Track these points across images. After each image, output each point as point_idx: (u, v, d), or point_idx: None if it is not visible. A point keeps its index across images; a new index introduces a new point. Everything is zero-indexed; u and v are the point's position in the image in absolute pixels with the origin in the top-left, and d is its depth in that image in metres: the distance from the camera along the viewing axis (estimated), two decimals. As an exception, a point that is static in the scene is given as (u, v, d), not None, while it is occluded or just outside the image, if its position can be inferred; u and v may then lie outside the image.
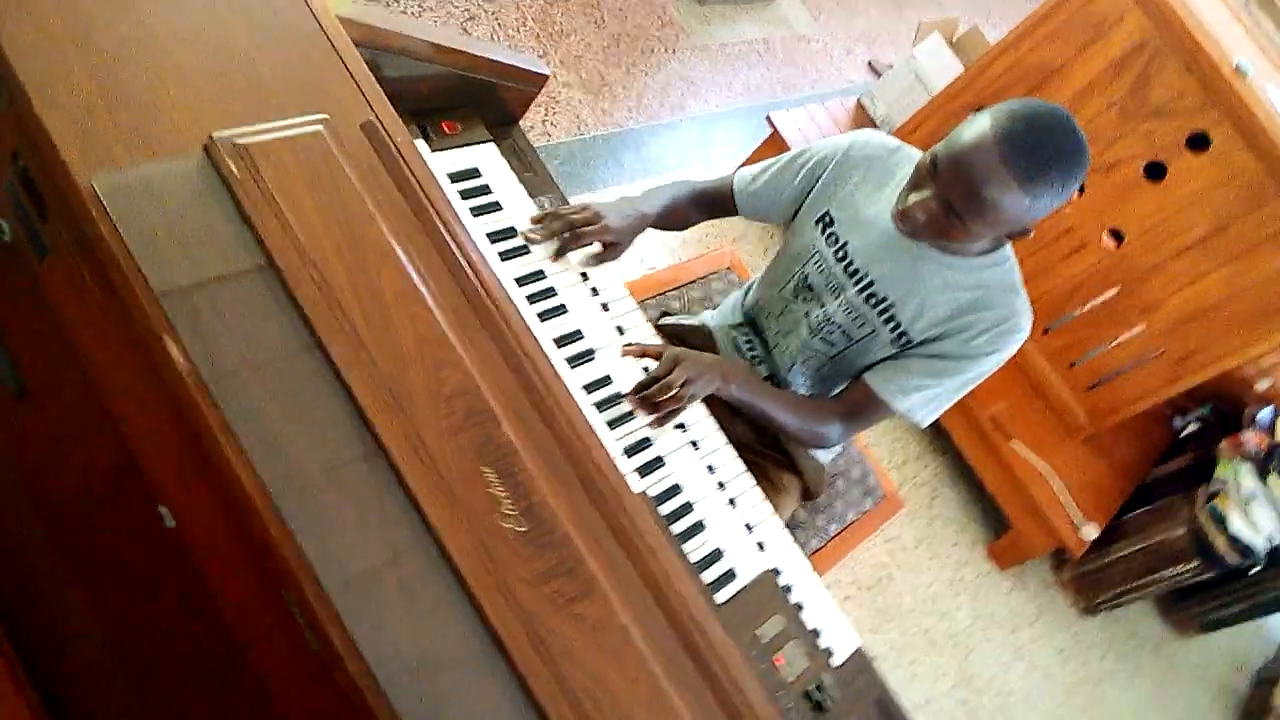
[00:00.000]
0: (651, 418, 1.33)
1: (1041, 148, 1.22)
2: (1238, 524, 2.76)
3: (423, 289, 0.95)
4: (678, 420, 1.37)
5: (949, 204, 1.26)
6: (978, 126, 1.24)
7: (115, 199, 0.83)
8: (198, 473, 0.85)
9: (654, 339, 1.45)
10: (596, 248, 1.43)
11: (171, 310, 0.81)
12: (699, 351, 1.41)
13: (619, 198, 1.52)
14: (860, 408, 1.53)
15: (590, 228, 1.39)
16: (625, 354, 1.38)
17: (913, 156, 1.49)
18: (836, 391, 1.62)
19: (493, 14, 2.88)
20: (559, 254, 1.38)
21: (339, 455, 0.81)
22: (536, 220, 1.40)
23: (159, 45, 0.95)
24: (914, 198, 1.30)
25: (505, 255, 1.35)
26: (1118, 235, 2.73)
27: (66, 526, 1.15)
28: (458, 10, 2.80)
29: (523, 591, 0.82)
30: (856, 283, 1.49)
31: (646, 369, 1.39)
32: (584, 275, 1.41)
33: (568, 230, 1.38)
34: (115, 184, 0.84)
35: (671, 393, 1.31)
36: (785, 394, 1.57)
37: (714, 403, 1.45)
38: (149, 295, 0.81)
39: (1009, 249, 1.44)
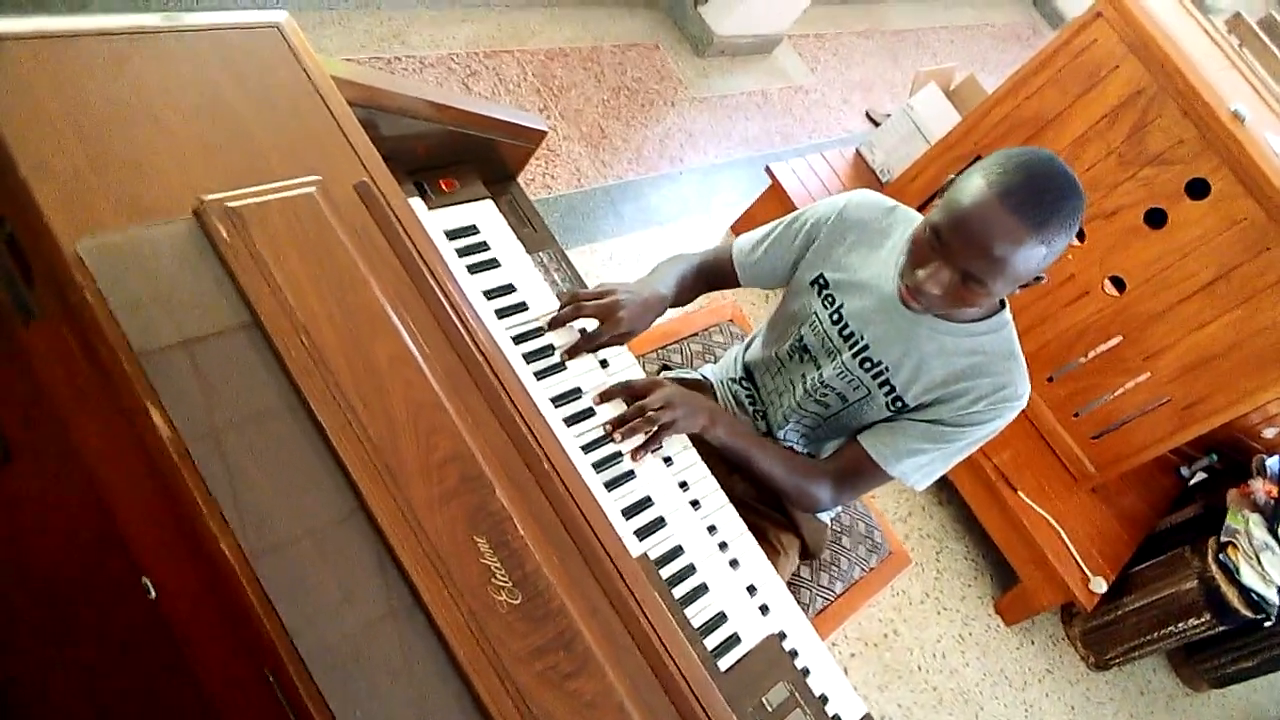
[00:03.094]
0: (630, 446, 1.30)
1: (1043, 192, 1.20)
2: (1249, 576, 2.71)
3: (416, 353, 0.93)
4: (679, 479, 1.35)
5: (964, 271, 1.24)
6: (973, 187, 1.23)
7: (101, 264, 0.82)
8: (180, 544, 0.82)
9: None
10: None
11: (155, 376, 0.79)
12: (681, 388, 1.39)
13: (636, 280, 1.49)
14: (853, 470, 1.50)
15: (603, 326, 1.36)
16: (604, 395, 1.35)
17: (908, 217, 1.48)
18: (829, 453, 1.60)
19: (493, 70, 2.90)
20: (572, 355, 1.34)
21: (325, 527, 0.79)
22: (561, 308, 1.37)
23: (149, 108, 0.94)
24: (923, 273, 1.27)
25: (502, 312, 1.33)
26: (1119, 283, 2.72)
27: (49, 592, 1.12)
28: (458, 66, 2.82)
29: (516, 668, 0.79)
30: (851, 346, 1.47)
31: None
32: (582, 331, 1.39)
33: (579, 315, 1.35)
34: (102, 249, 0.82)
35: (649, 414, 1.29)
36: (775, 446, 1.53)
37: (713, 460, 1.42)
38: (133, 363, 0.79)
39: (1007, 313, 1.42)
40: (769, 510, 1.62)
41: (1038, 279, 1.28)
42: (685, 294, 1.58)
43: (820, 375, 1.51)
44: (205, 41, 1.03)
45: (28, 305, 0.90)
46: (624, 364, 1.41)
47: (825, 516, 1.71)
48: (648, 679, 0.90)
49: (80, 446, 0.92)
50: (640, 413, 1.31)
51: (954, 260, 1.24)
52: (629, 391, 1.34)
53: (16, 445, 1.05)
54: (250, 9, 1.02)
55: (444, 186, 1.40)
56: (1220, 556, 2.72)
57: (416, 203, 1.34)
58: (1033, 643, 2.91)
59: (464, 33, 2.93)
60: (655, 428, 1.31)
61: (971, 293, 1.26)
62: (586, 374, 1.35)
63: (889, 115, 3.31)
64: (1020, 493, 2.77)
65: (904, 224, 1.47)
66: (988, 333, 1.40)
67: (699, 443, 1.42)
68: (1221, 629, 2.78)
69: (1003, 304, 1.42)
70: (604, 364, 1.39)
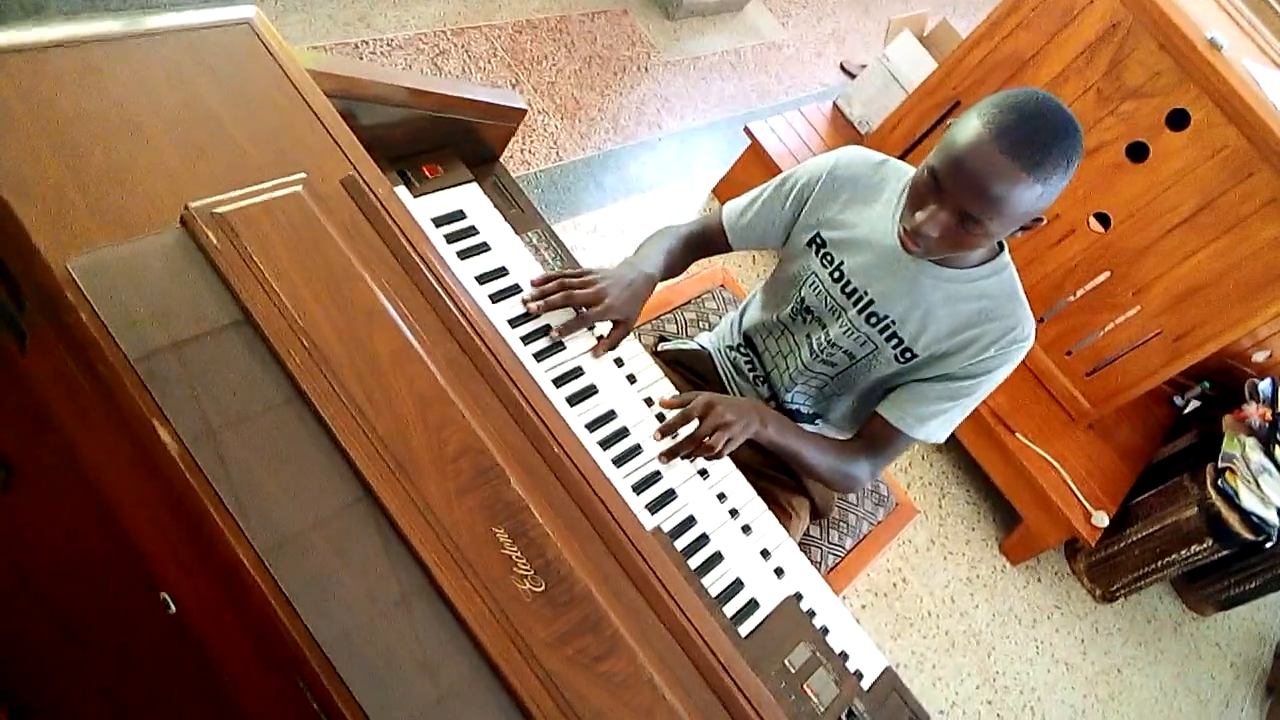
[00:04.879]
0: (680, 462, 1.31)
1: (1038, 132, 1.20)
2: (1249, 499, 2.74)
3: (417, 346, 0.92)
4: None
5: (963, 212, 1.24)
6: (970, 128, 1.22)
7: (93, 282, 0.80)
8: (195, 557, 0.82)
9: (653, 368, 1.42)
10: (607, 326, 1.39)
11: (157, 390, 0.78)
12: (727, 396, 1.40)
13: (620, 262, 1.47)
14: (882, 443, 1.51)
15: (594, 310, 1.34)
16: (664, 406, 1.36)
17: (899, 170, 1.47)
18: (839, 416, 1.61)
19: (462, 47, 2.86)
20: (561, 334, 1.33)
21: (343, 530, 0.78)
22: (538, 284, 1.35)
23: (127, 118, 0.92)
24: (921, 215, 1.26)
25: (496, 297, 1.32)
26: (1104, 219, 2.72)
27: (67, 613, 1.11)
28: (427, 46, 2.78)
29: (545, 655, 0.79)
30: (855, 303, 1.47)
31: (650, 400, 1.37)
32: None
33: (568, 304, 1.34)
34: (92, 266, 0.81)
35: (709, 440, 1.30)
36: (816, 436, 1.53)
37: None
38: (134, 378, 0.78)
39: (1006, 255, 1.42)
40: (777, 474, 1.62)
41: (1037, 220, 1.28)
42: (674, 268, 1.57)
43: (826, 335, 1.51)
44: (176, 43, 1.01)
45: (21, 329, 0.89)
46: (631, 352, 1.40)
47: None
48: (675, 654, 0.90)
49: (86, 465, 0.91)
50: (696, 442, 1.31)
51: (951, 202, 1.24)
52: (685, 419, 1.33)
53: (19, 468, 1.04)
54: (215, 3, 1.00)
55: (427, 173, 1.38)
56: (1219, 482, 2.75)
57: (401, 191, 1.33)
58: (1039, 580, 2.95)
59: (430, 11, 2.88)
60: (710, 451, 1.31)
61: (970, 234, 1.26)
62: (587, 354, 1.35)
63: (864, 66, 3.29)
64: (1018, 434, 2.78)
65: (896, 176, 1.46)
66: (990, 275, 1.41)
67: None
68: (1223, 553, 2.82)
69: (1002, 247, 1.42)
70: (619, 363, 1.38)
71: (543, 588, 0.83)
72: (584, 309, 1.34)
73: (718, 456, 1.33)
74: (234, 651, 0.85)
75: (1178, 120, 2.50)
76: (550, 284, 1.35)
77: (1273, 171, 2.41)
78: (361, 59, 2.61)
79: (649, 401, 1.37)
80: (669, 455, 1.30)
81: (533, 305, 1.32)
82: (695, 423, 1.32)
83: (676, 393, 1.40)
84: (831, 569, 1.74)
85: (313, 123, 1.04)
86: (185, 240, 0.87)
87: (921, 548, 2.78)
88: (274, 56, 1.05)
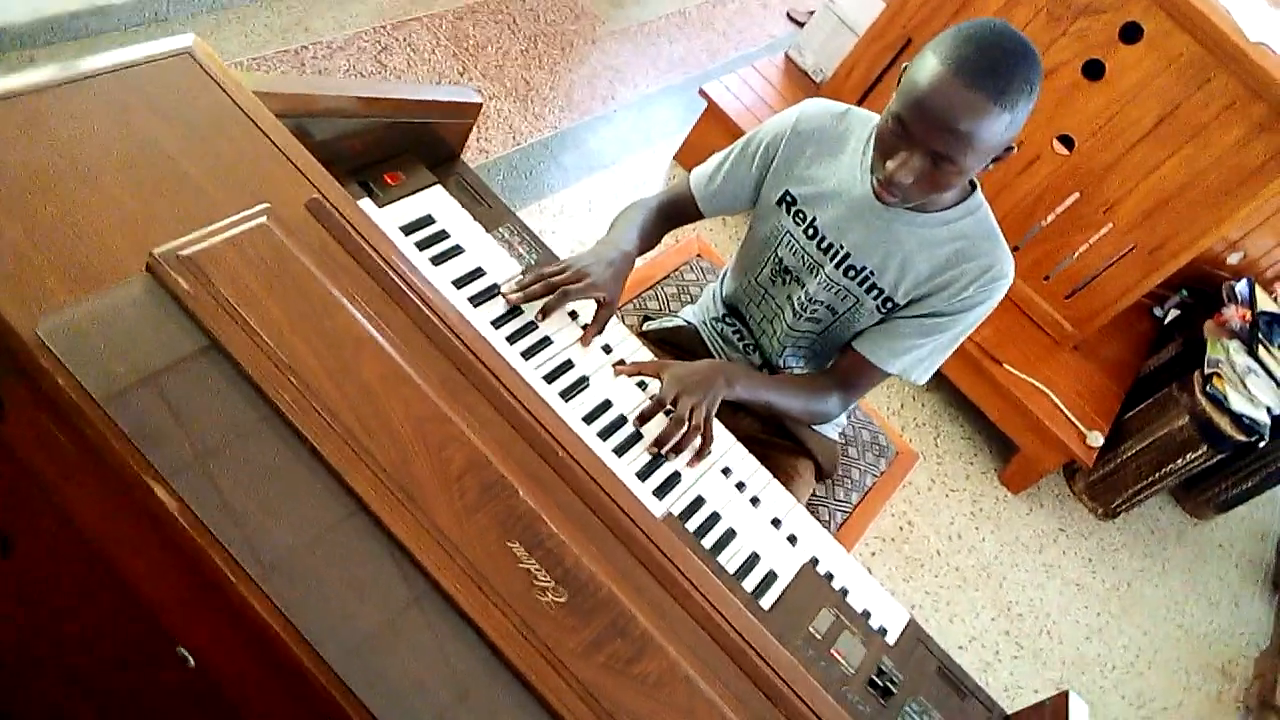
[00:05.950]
0: (686, 458, 1.30)
1: (997, 60, 1.18)
2: (1238, 402, 2.77)
3: (406, 366, 0.90)
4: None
5: (934, 152, 1.22)
6: (928, 67, 1.20)
7: (65, 344, 0.78)
8: (210, 611, 0.80)
9: (642, 351, 1.40)
10: (590, 310, 1.36)
11: (147, 448, 0.76)
12: (690, 363, 1.38)
13: (595, 243, 1.44)
14: (854, 376, 1.51)
15: (576, 285, 1.31)
16: (619, 373, 1.34)
17: (862, 118, 1.45)
18: (830, 364, 1.60)
19: (404, 41, 2.80)
20: (545, 313, 1.31)
21: (359, 566, 0.77)
22: (519, 284, 1.33)
23: (77, 169, 0.89)
24: (893, 164, 1.25)
25: (476, 300, 1.30)
26: (1067, 141, 2.71)
27: (83, 671, 1.09)
28: (369, 44, 2.72)
29: (577, 665, 0.78)
30: (832, 257, 1.45)
31: (644, 384, 1.35)
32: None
33: (550, 291, 1.31)
34: (62, 328, 0.78)
35: (692, 423, 1.29)
36: (784, 379, 1.54)
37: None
38: (121, 439, 0.76)
39: (979, 195, 1.41)
40: (777, 439, 1.62)
41: (1008, 150, 1.27)
42: (649, 241, 1.55)
43: (806, 292, 1.50)
44: (116, 83, 0.97)
45: (-4, 397, 0.86)
46: (618, 337, 1.39)
47: (833, 431, 1.71)
48: (706, 644, 0.90)
49: (82, 524, 0.89)
50: (680, 425, 1.29)
51: (921, 144, 1.22)
52: (659, 405, 1.31)
53: (17, 534, 1.02)
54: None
55: (389, 180, 1.35)
56: (1207, 388, 2.78)
57: (365, 203, 1.30)
58: (1041, 506, 2.98)
59: (367, 8, 2.82)
60: (699, 433, 1.30)
61: (944, 174, 1.25)
62: (573, 343, 1.33)
63: (811, 13, 3.24)
64: (1005, 364, 2.79)
65: (860, 125, 1.45)
66: (964, 216, 1.40)
67: None
68: (1218, 457, 2.85)
69: (974, 186, 1.41)
70: (608, 349, 1.37)
71: (565, 597, 0.82)
72: (566, 289, 1.32)
73: (707, 431, 1.32)
74: (262, 700, 0.84)
75: (1131, 34, 2.49)
76: (528, 275, 1.33)
77: (1229, 75, 2.41)
78: (304, 65, 2.55)
79: (642, 385, 1.35)
80: (658, 445, 1.28)
81: (513, 297, 1.30)
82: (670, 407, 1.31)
83: None
84: (840, 526, 1.74)
85: (268, 148, 1.01)
86: (154, 287, 0.84)
87: (923, 489, 2.79)
88: (219, 84, 1.01)
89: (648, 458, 1.28)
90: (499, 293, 1.31)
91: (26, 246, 0.83)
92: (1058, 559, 2.88)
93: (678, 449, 1.29)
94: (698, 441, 1.30)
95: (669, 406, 1.31)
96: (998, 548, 2.79)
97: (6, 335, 0.78)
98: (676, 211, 1.59)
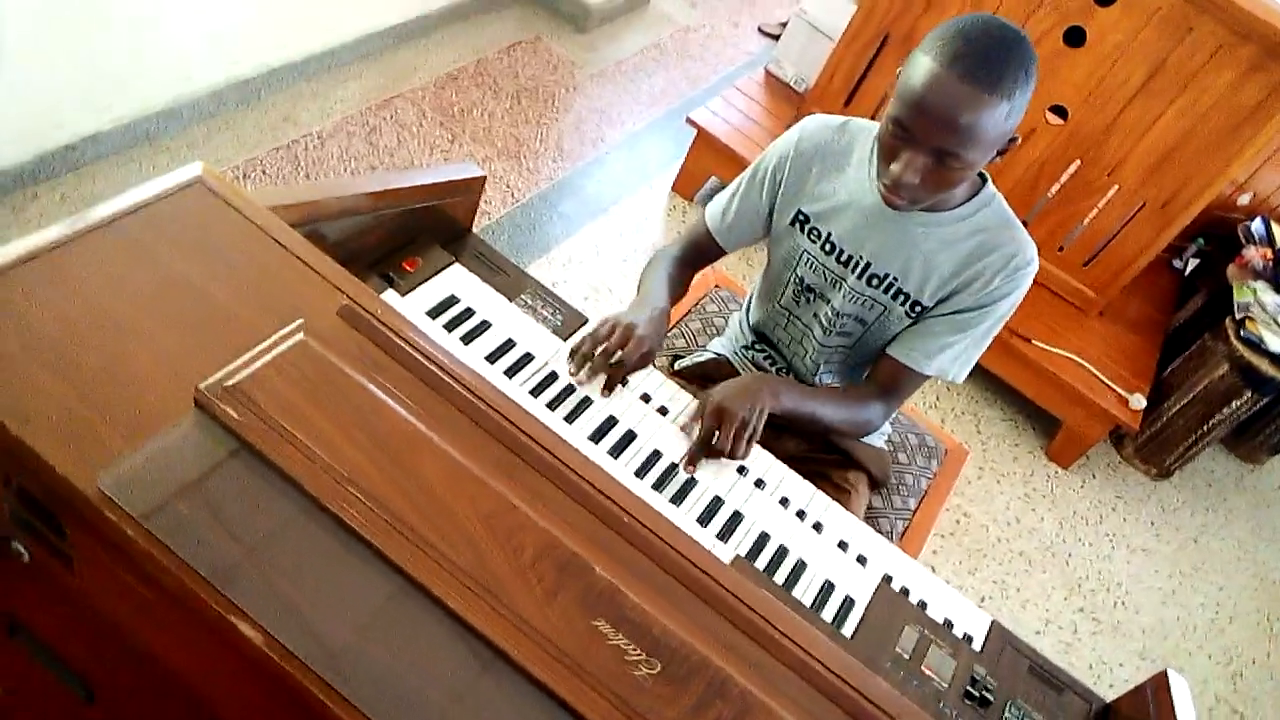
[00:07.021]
0: (745, 483, 1.30)
1: (989, 50, 1.18)
2: (1274, 342, 2.73)
3: (462, 458, 0.90)
4: (735, 464, 1.33)
5: (937, 150, 1.22)
6: (921, 67, 1.20)
7: (128, 494, 0.78)
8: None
9: (681, 394, 1.40)
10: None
11: (230, 589, 0.76)
12: (729, 382, 1.38)
13: (631, 303, 1.45)
14: (893, 383, 1.51)
15: (627, 350, 1.32)
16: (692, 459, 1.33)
17: (863, 127, 1.46)
18: (866, 374, 1.59)
19: (391, 118, 2.84)
20: (609, 389, 1.33)
21: (456, 674, 0.76)
22: (574, 355, 1.34)
23: (111, 316, 0.89)
24: (897, 166, 1.25)
25: (510, 371, 1.30)
26: (1060, 111, 2.71)
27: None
28: (356, 127, 2.75)
29: (683, 735, 0.77)
30: (853, 269, 1.45)
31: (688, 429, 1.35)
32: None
33: (607, 361, 1.32)
34: (123, 479, 0.79)
35: (732, 447, 1.29)
36: (824, 390, 1.53)
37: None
38: (200, 582, 0.76)
39: (991, 187, 1.41)
40: (825, 455, 1.61)
41: (1012, 140, 1.27)
42: (678, 291, 1.55)
43: (832, 307, 1.50)
44: (133, 224, 0.98)
45: (65, 553, 0.87)
46: (655, 383, 1.39)
47: (879, 440, 1.70)
48: (804, 690, 0.88)
49: (169, 667, 0.89)
50: (724, 450, 1.29)
51: (923, 144, 1.22)
52: (708, 435, 1.31)
53: (98, 683, 1.02)
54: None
55: (407, 268, 1.36)
56: (1241, 333, 2.75)
57: (390, 295, 1.31)
58: (1094, 477, 2.94)
59: (349, 92, 2.86)
60: (743, 446, 1.31)
61: (950, 171, 1.25)
62: (616, 400, 1.33)
63: (783, 24, 3.26)
64: (1035, 341, 2.78)
65: (862, 134, 1.45)
66: (980, 209, 1.39)
67: None
68: (1264, 401, 2.81)
69: (984, 179, 1.41)
70: (646, 399, 1.36)
71: (659, 668, 0.81)
72: (622, 358, 1.32)
73: (750, 445, 1.32)
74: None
75: (1106, -4, 2.49)
76: (584, 347, 1.33)
77: (1212, 20, 2.40)
78: (298, 158, 2.58)
79: (686, 429, 1.35)
80: (692, 462, 1.29)
81: (581, 376, 1.31)
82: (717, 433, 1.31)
83: None
84: (903, 535, 1.72)
85: (291, 262, 1.02)
86: (205, 422, 0.85)
87: (973, 478, 2.77)
88: (235, 208, 1.02)
89: (706, 501, 1.27)
90: (567, 373, 1.33)
91: (75, 402, 0.84)
92: (1119, 527, 2.84)
93: (729, 453, 1.29)
94: (746, 435, 1.31)
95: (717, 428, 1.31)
96: (1057, 526, 2.76)
97: (70, 494, 0.79)
98: (699, 254, 1.60)
